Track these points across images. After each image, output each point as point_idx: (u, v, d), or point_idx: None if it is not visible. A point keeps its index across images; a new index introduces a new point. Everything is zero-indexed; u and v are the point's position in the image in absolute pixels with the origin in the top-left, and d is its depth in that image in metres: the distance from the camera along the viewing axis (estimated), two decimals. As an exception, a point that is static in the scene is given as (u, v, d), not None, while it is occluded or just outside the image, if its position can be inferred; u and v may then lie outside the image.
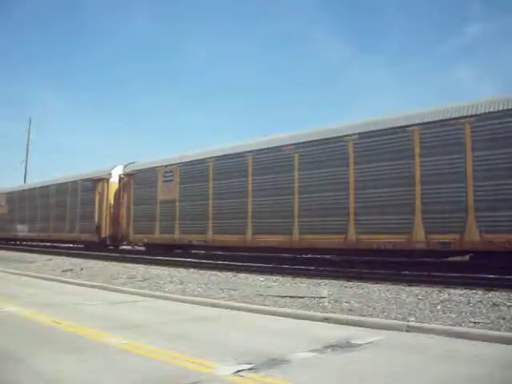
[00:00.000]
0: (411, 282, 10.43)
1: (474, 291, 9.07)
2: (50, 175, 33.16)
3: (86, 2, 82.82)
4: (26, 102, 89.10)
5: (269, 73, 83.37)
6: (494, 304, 7.81)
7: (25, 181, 45.01)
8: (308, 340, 5.72)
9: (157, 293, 10.04)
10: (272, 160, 15.49)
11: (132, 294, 10.21)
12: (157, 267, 16.00)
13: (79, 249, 25.71)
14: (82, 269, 15.71)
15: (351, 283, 10.84)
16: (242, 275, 13.10)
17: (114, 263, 17.90)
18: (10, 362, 4.65)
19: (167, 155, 20.82)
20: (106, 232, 23.01)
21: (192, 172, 18.46)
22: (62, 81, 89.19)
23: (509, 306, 7.58)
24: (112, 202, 23.04)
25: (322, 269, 13.22)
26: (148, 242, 20.63)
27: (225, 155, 17.28)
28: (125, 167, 22.54)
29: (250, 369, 4.41)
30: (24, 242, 32.03)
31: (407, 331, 6.14)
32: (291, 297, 9.05)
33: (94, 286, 11.57)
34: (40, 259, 20.37)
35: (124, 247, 24.08)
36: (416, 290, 9.58)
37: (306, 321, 7.02)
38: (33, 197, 30.21)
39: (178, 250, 19.77)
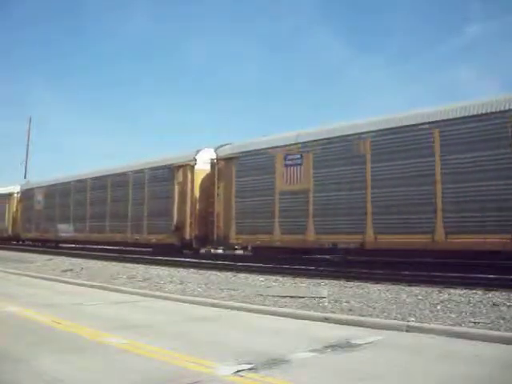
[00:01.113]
0: (411, 282, 10.42)
1: (474, 291, 9.07)
2: (49, 175, 32.43)
3: (86, 2, 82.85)
4: (26, 101, 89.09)
5: (269, 72, 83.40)
6: (494, 304, 7.81)
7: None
8: (308, 340, 5.71)
9: (157, 293, 10.04)
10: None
11: (132, 294, 10.21)
12: (157, 267, 16.00)
13: (79, 249, 25.63)
14: (82, 269, 15.71)
15: (351, 283, 10.84)
16: (241, 275, 13.10)
17: (114, 263, 17.91)
18: (10, 362, 4.65)
19: (284, 132, 16.22)
20: (190, 232, 17.99)
21: (335, 152, 13.87)
22: (61, 81, 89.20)
23: (509, 306, 7.58)
24: (198, 194, 18.12)
25: (322, 269, 13.22)
26: (260, 244, 15.86)
27: (392, 128, 12.81)
28: (217, 150, 17.76)
29: (250, 369, 4.41)
30: (67, 245, 27.57)
31: (407, 331, 6.14)
32: (291, 297, 9.04)
33: (94, 285, 11.57)
34: (40, 259, 20.36)
35: (217, 250, 19.54)
36: (416, 289, 9.58)
37: (306, 321, 7.01)
38: (80, 190, 25.22)
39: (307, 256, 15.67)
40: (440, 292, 9.18)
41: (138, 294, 10.13)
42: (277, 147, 15.43)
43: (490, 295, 8.69)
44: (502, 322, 6.43)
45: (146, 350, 5.21)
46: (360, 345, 5.40)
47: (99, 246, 24.61)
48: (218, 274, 13.67)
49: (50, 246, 28.26)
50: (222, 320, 7.35)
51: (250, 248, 16.75)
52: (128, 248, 22.22)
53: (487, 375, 4.34)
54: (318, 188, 14.16)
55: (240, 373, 4.30)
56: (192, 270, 15.09)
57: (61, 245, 28.12)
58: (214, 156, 17.79)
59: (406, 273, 11.56)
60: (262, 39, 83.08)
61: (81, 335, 6.01)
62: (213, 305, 8.50)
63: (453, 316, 6.91)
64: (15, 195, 32.46)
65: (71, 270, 15.56)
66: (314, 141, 14.45)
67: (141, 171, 20.80)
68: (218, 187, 17.05)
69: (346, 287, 10.33)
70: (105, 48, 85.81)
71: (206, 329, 6.58)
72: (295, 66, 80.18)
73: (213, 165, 17.84)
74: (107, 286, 11.24)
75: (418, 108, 13.25)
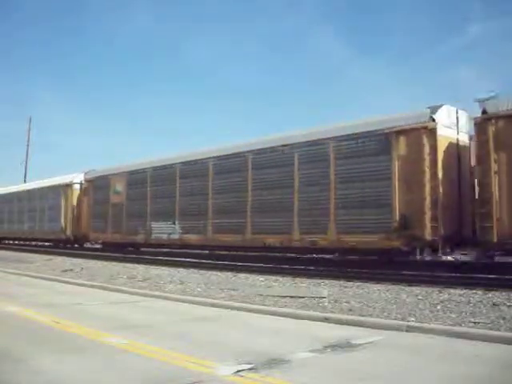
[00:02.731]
0: (411, 282, 10.42)
1: (474, 291, 9.07)
2: (49, 175, 32.05)
3: (86, 2, 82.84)
4: (26, 101, 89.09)
5: (269, 72, 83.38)
6: (494, 304, 7.80)
7: (25, 181, 44.43)
8: (308, 340, 5.72)
9: (157, 293, 10.05)
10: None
11: (132, 294, 10.21)
12: (157, 267, 16.00)
13: (79, 249, 25.51)
14: (82, 269, 15.72)
15: (351, 283, 10.83)
16: (241, 275, 13.10)
17: (114, 263, 17.90)
18: (10, 362, 4.65)
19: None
20: (433, 230, 11.93)
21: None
22: (62, 80, 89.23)
23: (509, 306, 7.58)
24: (440, 173, 12.17)
25: (322, 269, 13.21)
26: None
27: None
28: (486, 102, 11.58)
29: (250, 369, 4.41)
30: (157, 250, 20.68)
31: (407, 331, 6.14)
32: (291, 297, 9.04)
33: (94, 286, 11.58)
34: (40, 259, 20.37)
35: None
36: (416, 289, 9.58)
37: (306, 321, 7.02)
38: (194, 175, 18.34)
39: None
40: (440, 292, 9.18)
41: (138, 294, 10.14)
42: None
43: (490, 295, 8.69)
44: (502, 321, 6.43)
45: (146, 350, 5.21)
46: (360, 345, 5.40)
47: (232, 253, 17.88)
48: (218, 273, 13.67)
49: (134, 252, 21.38)
50: (222, 320, 7.35)
51: None
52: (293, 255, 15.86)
53: (487, 375, 4.34)
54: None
55: (240, 373, 4.30)
56: (192, 269, 15.09)
57: (145, 250, 21.47)
58: (464, 116, 12.98)
59: (406, 273, 11.55)
60: (261, 39, 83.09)
61: (81, 335, 6.01)
62: (213, 305, 8.50)
63: (453, 316, 6.91)
64: (76, 186, 25.72)
65: (71, 270, 15.56)
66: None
67: (320, 143, 14.36)
68: (495, 160, 11.21)
69: (346, 287, 10.32)
70: (105, 48, 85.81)
71: (206, 329, 6.58)
72: (295, 66, 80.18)
73: (480, 127, 11.45)
74: (107, 286, 11.25)
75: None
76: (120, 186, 22.22)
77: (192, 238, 18.21)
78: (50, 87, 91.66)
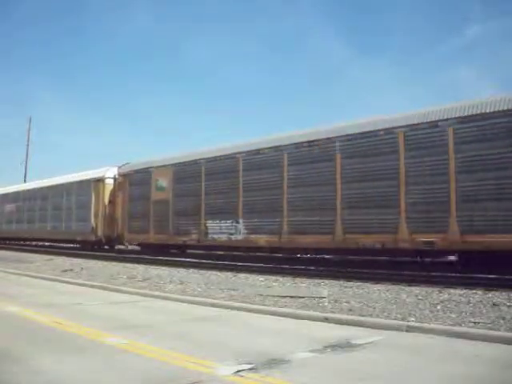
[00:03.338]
0: (411, 282, 10.43)
1: (474, 291, 9.07)
2: (49, 175, 31.51)
3: (86, 2, 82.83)
4: (26, 101, 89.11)
5: (269, 72, 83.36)
6: (494, 304, 7.81)
7: (25, 181, 44.30)
8: (308, 340, 5.72)
9: (157, 293, 10.05)
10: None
11: (132, 294, 10.21)
12: (157, 267, 16.00)
13: (79, 249, 25.51)
14: (82, 269, 15.71)
15: (351, 283, 10.84)
16: (242, 275, 13.10)
17: (114, 263, 17.90)
18: (10, 362, 4.64)
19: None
20: None
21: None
22: (61, 80, 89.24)
23: (509, 306, 7.58)
24: None
25: (321, 269, 13.21)
26: None
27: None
28: None
29: (250, 369, 4.41)
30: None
31: (407, 331, 6.14)
32: (291, 297, 9.04)
33: (94, 286, 11.57)
34: (40, 259, 20.37)
35: None
36: (416, 290, 9.58)
37: (306, 321, 7.02)
38: (253, 165, 15.92)
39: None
40: (440, 292, 9.18)
41: (138, 294, 10.13)
42: None
43: (490, 295, 8.69)
44: (501, 322, 6.43)
45: (146, 350, 5.21)
46: (360, 345, 5.40)
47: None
48: (218, 273, 13.67)
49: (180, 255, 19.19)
50: (222, 320, 7.35)
51: None
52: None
53: (487, 375, 4.35)
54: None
55: (240, 373, 4.30)
56: (192, 269, 15.09)
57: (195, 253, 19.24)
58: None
59: (406, 273, 11.56)
60: (262, 39, 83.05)
61: (81, 335, 6.01)
62: (213, 305, 8.51)
63: (453, 316, 6.91)
64: (108, 181, 22.88)
65: (71, 270, 15.56)
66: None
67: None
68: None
69: (346, 287, 10.32)
70: (105, 48, 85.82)
71: (206, 329, 6.58)
72: (296, 66, 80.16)
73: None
74: (107, 286, 11.25)
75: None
76: (164, 181, 19.37)
77: (261, 238, 15.43)
78: (50, 87, 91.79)
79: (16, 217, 31.47)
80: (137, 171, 21.05)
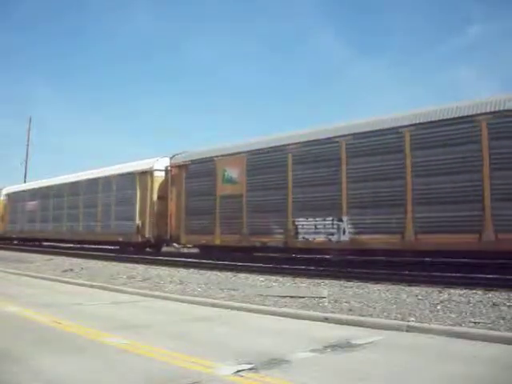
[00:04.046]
0: (411, 282, 10.42)
1: (474, 291, 9.07)
2: (49, 175, 30.90)
3: (86, 2, 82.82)
4: (26, 101, 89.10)
5: (269, 72, 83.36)
6: (494, 304, 7.81)
7: (25, 181, 44.22)
8: (308, 340, 5.72)
9: (157, 293, 10.05)
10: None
11: (132, 294, 10.21)
12: (157, 267, 16.00)
13: (79, 249, 25.44)
14: (82, 269, 15.71)
15: (351, 283, 10.83)
16: (242, 275, 13.10)
17: (114, 263, 17.90)
18: (10, 363, 4.65)
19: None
20: None
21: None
22: (62, 80, 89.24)
23: (509, 306, 7.58)
24: None
25: (322, 269, 13.19)
26: None
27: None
28: None
29: (250, 369, 4.41)
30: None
31: (407, 331, 6.14)
32: (291, 297, 9.04)
33: (94, 286, 11.57)
34: (40, 259, 20.36)
35: None
36: (416, 290, 9.58)
37: (306, 321, 7.02)
38: (361, 151, 13.18)
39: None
40: (440, 292, 9.18)
41: (138, 294, 10.13)
42: None
43: (490, 295, 8.69)
44: (502, 322, 6.43)
45: (146, 350, 5.21)
46: (360, 345, 5.40)
47: None
48: (218, 273, 13.67)
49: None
50: (222, 320, 7.35)
51: None
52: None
53: (487, 375, 4.35)
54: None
55: (240, 373, 4.30)
56: (192, 269, 15.09)
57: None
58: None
59: (406, 273, 11.55)
60: (262, 40, 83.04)
61: (81, 335, 6.01)
62: (213, 305, 8.51)
63: (453, 316, 6.91)
64: (158, 173, 20.01)
65: (71, 270, 15.56)
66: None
67: None
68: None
69: (346, 287, 10.32)
70: (105, 48, 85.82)
71: (206, 329, 6.58)
72: (296, 66, 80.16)
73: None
74: (107, 286, 11.25)
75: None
76: (234, 172, 16.29)
77: (375, 239, 12.62)
78: (50, 87, 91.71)
79: (39, 216, 28.27)
80: (196, 161, 17.93)
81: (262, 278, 12.28)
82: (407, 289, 9.76)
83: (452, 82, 69.22)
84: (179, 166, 18.67)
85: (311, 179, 14.15)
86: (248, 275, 13.00)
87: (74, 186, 25.20)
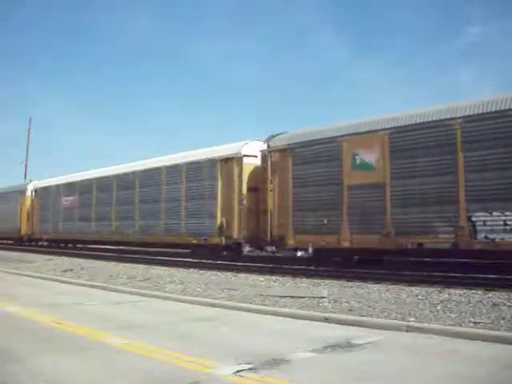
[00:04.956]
0: (411, 282, 10.42)
1: (474, 291, 9.07)
2: (48, 175, 30.22)
3: (87, 2, 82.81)
4: (26, 102, 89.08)
5: (270, 72, 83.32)
6: (494, 304, 7.81)
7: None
8: (308, 340, 5.72)
9: (157, 293, 10.05)
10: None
11: (132, 293, 10.22)
12: (157, 267, 16.00)
13: (79, 249, 25.36)
14: (82, 269, 15.72)
15: (351, 283, 10.84)
16: (241, 275, 13.10)
17: (114, 263, 17.91)
18: (10, 363, 4.65)
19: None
20: None
21: None
22: (62, 80, 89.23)
23: (509, 306, 7.58)
24: None
25: (322, 269, 13.19)
26: None
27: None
28: None
29: (250, 369, 4.41)
30: None
31: (407, 331, 6.14)
32: (291, 297, 9.05)
33: (94, 286, 11.58)
34: (40, 259, 20.37)
35: None
36: (416, 290, 9.58)
37: (306, 321, 7.02)
38: None
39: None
40: (440, 292, 9.18)
41: (138, 294, 10.14)
42: None
43: (490, 295, 8.69)
44: (502, 322, 6.43)
45: (146, 350, 5.21)
46: (360, 345, 5.40)
47: None
48: (218, 274, 13.67)
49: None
50: (222, 320, 7.34)
51: None
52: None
53: (487, 375, 4.35)
54: None
55: (240, 373, 4.30)
56: (192, 269, 15.10)
57: None
58: None
59: (406, 273, 11.55)
60: (262, 39, 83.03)
61: (81, 335, 6.01)
62: (213, 305, 8.51)
63: (453, 316, 6.91)
64: (249, 159, 16.47)
65: (71, 269, 15.56)
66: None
67: None
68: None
69: (345, 287, 10.33)
70: (105, 48, 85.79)
71: (206, 329, 6.58)
72: (296, 66, 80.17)
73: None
74: (107, 286, 11.25)
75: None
76: (370, 155, 13.20)
77: None
78: (51, 87, 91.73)
79: (78, 213, 24.60)
80: (308, 143, 14.51)
81: (261, 278, 12.28)
82: (407, 289, 9.76)
83: (452, 82, 69.27)
84: (282, 150, 15.10)
85: (498, 161, 10.86)
86: (248, 275, 13.00)
87: (127, 177, 21.21)
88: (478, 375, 4.34)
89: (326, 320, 6.89)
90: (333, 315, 7.12)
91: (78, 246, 26.30)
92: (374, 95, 76.64)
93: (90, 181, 24.15)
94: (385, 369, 4.52)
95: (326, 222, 13.76)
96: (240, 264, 14.82)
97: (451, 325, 6.31)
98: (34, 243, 29.35)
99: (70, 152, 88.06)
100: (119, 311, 8.27)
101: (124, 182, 21.48)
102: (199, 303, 8.75)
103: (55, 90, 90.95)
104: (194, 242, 17.43)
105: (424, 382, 4.22)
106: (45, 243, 28.48)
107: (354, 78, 76.17)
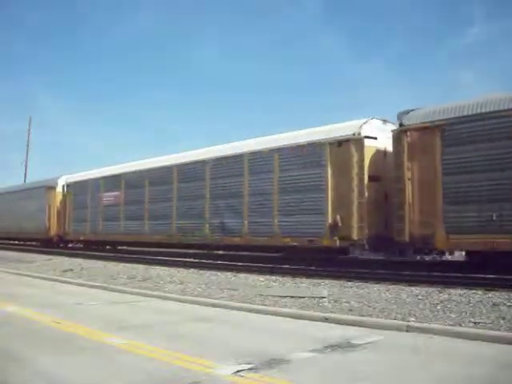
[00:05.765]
0: (411, 282, 10.41)
1: (474, 291, 9.06)
2: (49, 175, 30.01)
3: (86, 1, 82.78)
4: (26, 102, 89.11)
5: (269, 71, 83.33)
6: (494, 304, 7.80)
7: (25, 181, 44.17)
8: (308, 340, 5.72)
9: (157, 293, 10.05)
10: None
11: (132, 293, 10.22)
12: (157, 267, 15.99)
13: (79, 248, 25.35)
14: (81, 269, 15.71)
15: (351, 283, 10.83)
16: (241, 275, 13.10)
17: (114, 263, 17.89)
18: (11, 363, 4.65)
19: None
20: None
21: None
22: (62, 80, 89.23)
23: (509, 306, 7.57)
24: None
25: (321, 269, 13.18)
26: None
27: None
28: None
29: (249, 369, 4.41)
30: None
31: (407, 331, 6.14)
32: (291, 297, 9.05)
33: (94, 286, 11.58)
34: (40, 259, 20.36)
35: None
36: (416, 290, 9.57)
37: (306, 321, 7.02)
38: None
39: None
40: (440, 292, 9.17)
41: (138, 294, 10.14)
42: None
43: (490, 295, 8.68)
44: (502, 322, 6.43)
45: (146, 350, 5.21)
46: (360, 345, 5.40)
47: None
48: (218, 274, 13.66)
49: None
50: (221, 320, 7.35)
51: None
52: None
53: (487, 375, 4.35)
54: None
55: (240, 373, 4.30)
56: (192, 269, 15.08)
57: None
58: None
59: (406, 273, 11.55)
60: (262, 39, 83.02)
61: (81, 335, 6.02)
62: (213, 305, 8.51)
63: (453, 316, 6.91)
64: (370, 141, 13.25)
65: (71, 270, 15.56)
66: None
67: None
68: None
69: (345, 287, 10.32)
70: (104, 47, 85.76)
71: (206, 329, 6.58)
72: (296, 66, 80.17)
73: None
74: (107, 286, 11.25)
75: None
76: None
77: None
78: (51, 87, 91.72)
79: (123, 211, 21.31)
80: (468, 118, 11.18)
81: (261, 278, 12.28)
82: (407, 289, 9.75)
83: (452, 83, 69.25)
84: (425, 129, 11.86)
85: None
86: (248, 275, 13.00)
87: (194, 167, 17.83)
88: (478, 375, 4.34)
89: (326, 320, 6.89)
90: (333, 315, 7.12)
91: (119, 248, 23.38)
92: (373, 95, 76.62)
93: (140, 172, 20.50)
94: (385, 369, 4.52)
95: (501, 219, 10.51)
96: (240, 264, 14.82)
97: (451, 325, 6.30)
98: (63, 245, 26.35)
99: (70, 152, 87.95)
100: (119, 311, 8.27)
101: (190, 172, 17.96)
102: (199, 303, 8.75)
103: (56, 89, 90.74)
104: (295, 244, 14.23)
105: (424, 382, 4.22)
106: (80, 245, 25.36)
107: (354, 78, 76.07)
